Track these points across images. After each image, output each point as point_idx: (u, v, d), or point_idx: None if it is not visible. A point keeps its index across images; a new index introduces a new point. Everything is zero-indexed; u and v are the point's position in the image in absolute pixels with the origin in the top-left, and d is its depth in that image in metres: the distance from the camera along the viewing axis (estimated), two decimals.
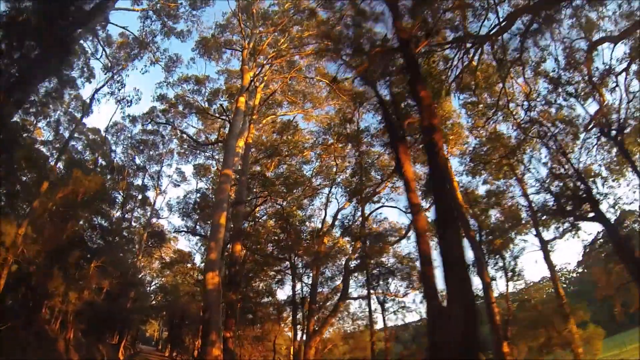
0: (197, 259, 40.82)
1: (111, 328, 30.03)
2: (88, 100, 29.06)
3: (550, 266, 21.66)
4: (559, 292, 20.52)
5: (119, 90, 27.43)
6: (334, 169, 26.09)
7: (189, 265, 42.35)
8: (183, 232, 31.17)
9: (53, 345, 19.05)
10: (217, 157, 38.92)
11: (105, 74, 28.13)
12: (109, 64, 32.02)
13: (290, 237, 20.02)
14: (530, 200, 20.63)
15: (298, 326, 24.12)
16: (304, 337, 22.46)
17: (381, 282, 20.62)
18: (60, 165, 25.99)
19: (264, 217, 29.62)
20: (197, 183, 38.85)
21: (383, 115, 12.08)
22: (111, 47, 34.02)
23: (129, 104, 27.88)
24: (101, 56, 31.40)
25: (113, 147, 40.62)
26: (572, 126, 21.16)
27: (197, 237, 37.63)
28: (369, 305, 20.08)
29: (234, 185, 21.96)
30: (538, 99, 21.63)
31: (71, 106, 42.70)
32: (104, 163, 39.84)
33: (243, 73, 23.99)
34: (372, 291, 20.75)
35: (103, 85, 27.61)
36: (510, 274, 21.43)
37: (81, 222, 19.06)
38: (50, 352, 18.66)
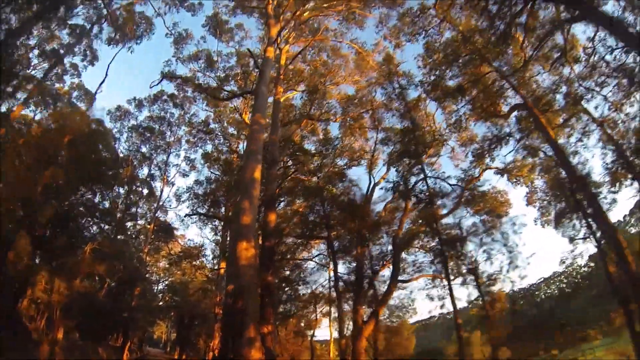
0: (209, 253, 35.38)
1: (114, 328, 24.37)
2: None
3: None
4: None
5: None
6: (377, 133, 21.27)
7: (197, 262, 36.75)
8: (195, 217, 25.78)
9: (35, 348, 13.55)
10: (228, 145, 33.96)
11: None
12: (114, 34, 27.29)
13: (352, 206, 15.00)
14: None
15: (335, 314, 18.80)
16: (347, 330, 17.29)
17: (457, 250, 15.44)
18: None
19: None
20: (209, 169, 33.19)
21: None
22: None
23: (139, 40, 22.73)
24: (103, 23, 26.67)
25: (117, 135, 35.25)
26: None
27: (210, 227, 32.37)
28: (447, 278, 14.85)
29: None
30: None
31: (73, 95, 37.68)
32: (108, 155, 34.47)
33: (270, 27, 19.44)
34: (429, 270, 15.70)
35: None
36: None
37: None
38: (30, 356, 13.22)
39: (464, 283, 15.56)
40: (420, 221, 19.19)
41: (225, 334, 22.19)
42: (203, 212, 23.78)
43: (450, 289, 14.44)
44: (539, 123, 15.15)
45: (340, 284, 18.14)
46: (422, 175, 18.38)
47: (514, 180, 21.70)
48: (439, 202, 16.87)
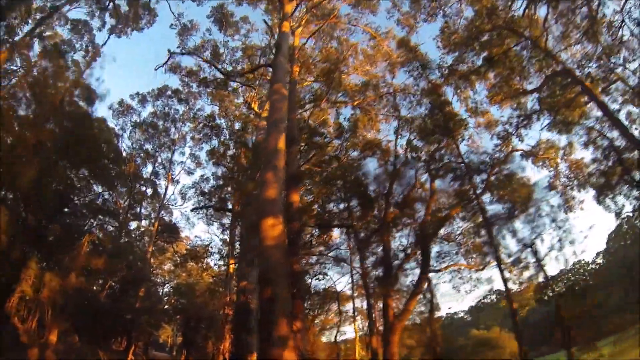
0: (216, 251, 32.84)
1: (116, 331, 21.93)
2: None
3: None
4: None
5: None
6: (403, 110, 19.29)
7: (203, 264, 34.22)
8: (202, 212, 23.63)
9: (24, 351, 11.26)
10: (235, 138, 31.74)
11: None
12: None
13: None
14: None
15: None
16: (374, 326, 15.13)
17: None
18: None
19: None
20: (214, 164, 30.87)
21: None
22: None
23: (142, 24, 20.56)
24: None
25: (119, 132, 32.92)
26: None
27: (217, 225, 29.95)
28: (497, 260, 12.74)
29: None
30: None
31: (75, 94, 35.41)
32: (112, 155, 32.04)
33: (284, 3, 17.64)
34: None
35: None
36: None
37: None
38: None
39: (515, 263, 13.50)
40: (446, 211, 17.13)
41: (237, 334, 19.52)
42: (211, 205, 21.56)
43: (502, 272, 12.39)
44: (586, 88, 13.35)
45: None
46: (448, 155, 16.47)
47: (540, 163, 19.84)
48: (477, 180, 14.86)
